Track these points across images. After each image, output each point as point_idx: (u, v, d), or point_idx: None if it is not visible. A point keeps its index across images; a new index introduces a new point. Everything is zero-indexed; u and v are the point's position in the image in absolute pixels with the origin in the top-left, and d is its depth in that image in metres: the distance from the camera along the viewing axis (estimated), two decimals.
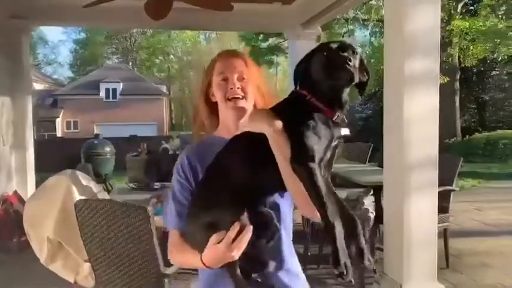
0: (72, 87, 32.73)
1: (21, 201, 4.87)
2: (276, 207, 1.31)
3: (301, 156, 1.12)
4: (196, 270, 1.46)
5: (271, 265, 1.30)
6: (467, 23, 13.23)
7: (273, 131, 1.18)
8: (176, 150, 7.18)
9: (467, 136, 15.68)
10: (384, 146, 3.59)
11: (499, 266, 4.12)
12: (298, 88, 1.23)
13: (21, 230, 3.75)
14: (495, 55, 14.96)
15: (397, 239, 3.41)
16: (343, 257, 1.06)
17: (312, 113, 1.17)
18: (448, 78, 13.25)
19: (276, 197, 1.33)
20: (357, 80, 1.16)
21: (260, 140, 1.20)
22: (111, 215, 2.23)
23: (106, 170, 9.28)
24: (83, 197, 2.70)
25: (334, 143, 1.20)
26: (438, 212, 3.50)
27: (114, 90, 31.10)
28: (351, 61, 1.14)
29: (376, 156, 6.15)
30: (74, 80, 38.90)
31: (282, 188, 1.23)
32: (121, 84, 31.09)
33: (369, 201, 3.75)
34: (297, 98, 1.22)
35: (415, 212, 3.33)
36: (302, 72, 1.23)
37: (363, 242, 1.15)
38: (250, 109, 1.41)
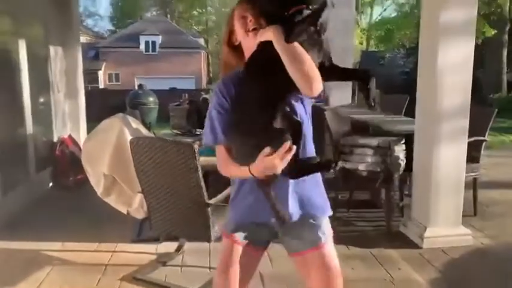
0: (113, 40, 33.31)
1: (75, 143, 5.30)
2: (294, 112, 1.52)
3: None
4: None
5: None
6: None
7: (272, 32, 1.43)
8: None
9: None
10: (416, 94, 3.68)
11: None
12: None
13: (77, 170, 4.16)
14: None
15: (425, 184, 3.57)
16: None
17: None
18: (495, 31, 12.67)
19: (293, 103, 1.53)
20: None
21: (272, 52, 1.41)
22: (162, 150, 2.51)
23: (150, 118, 9.79)
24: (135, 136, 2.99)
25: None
26: (468, 161, 3.59)
27: (154, 42, 31.44)
28: None
29: (413, 110, 6.12)
30: (114, 33, 39.43)
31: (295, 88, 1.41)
32: (160, 37, 31.36)
33: (399, 149, 3.86)
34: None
35: (444, 159, 3.46)
36: None
37: None
38: None
